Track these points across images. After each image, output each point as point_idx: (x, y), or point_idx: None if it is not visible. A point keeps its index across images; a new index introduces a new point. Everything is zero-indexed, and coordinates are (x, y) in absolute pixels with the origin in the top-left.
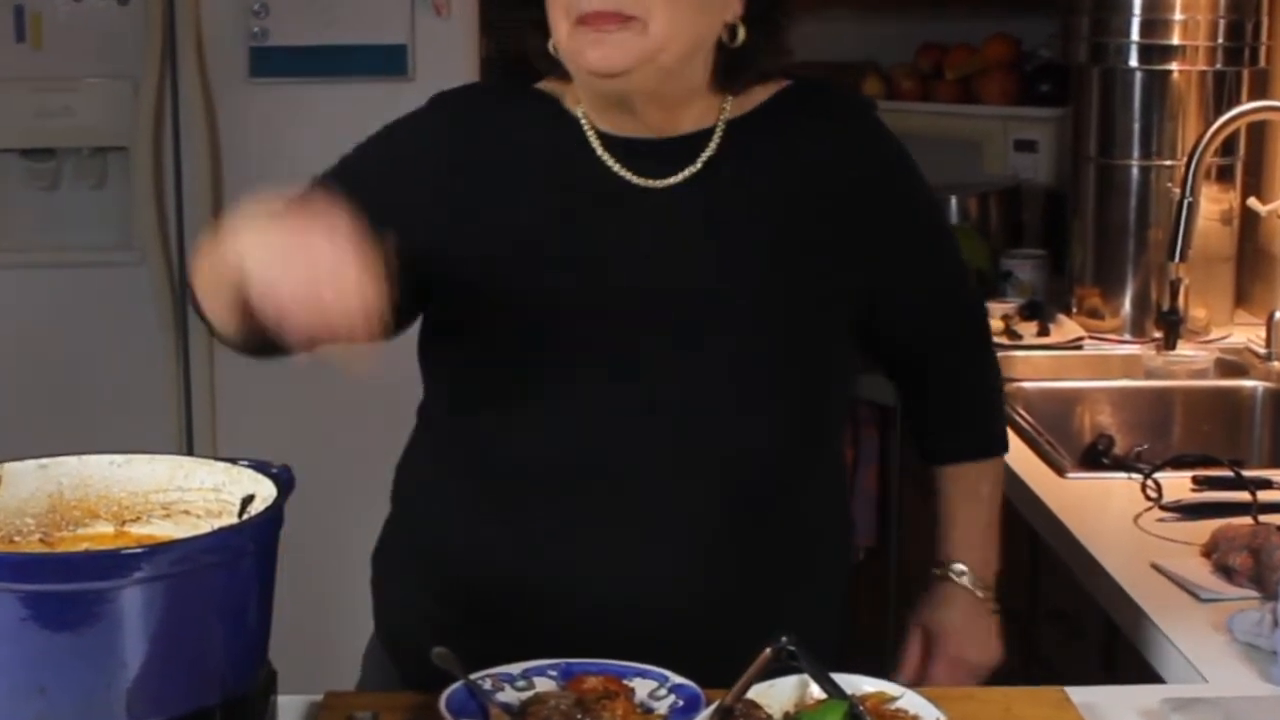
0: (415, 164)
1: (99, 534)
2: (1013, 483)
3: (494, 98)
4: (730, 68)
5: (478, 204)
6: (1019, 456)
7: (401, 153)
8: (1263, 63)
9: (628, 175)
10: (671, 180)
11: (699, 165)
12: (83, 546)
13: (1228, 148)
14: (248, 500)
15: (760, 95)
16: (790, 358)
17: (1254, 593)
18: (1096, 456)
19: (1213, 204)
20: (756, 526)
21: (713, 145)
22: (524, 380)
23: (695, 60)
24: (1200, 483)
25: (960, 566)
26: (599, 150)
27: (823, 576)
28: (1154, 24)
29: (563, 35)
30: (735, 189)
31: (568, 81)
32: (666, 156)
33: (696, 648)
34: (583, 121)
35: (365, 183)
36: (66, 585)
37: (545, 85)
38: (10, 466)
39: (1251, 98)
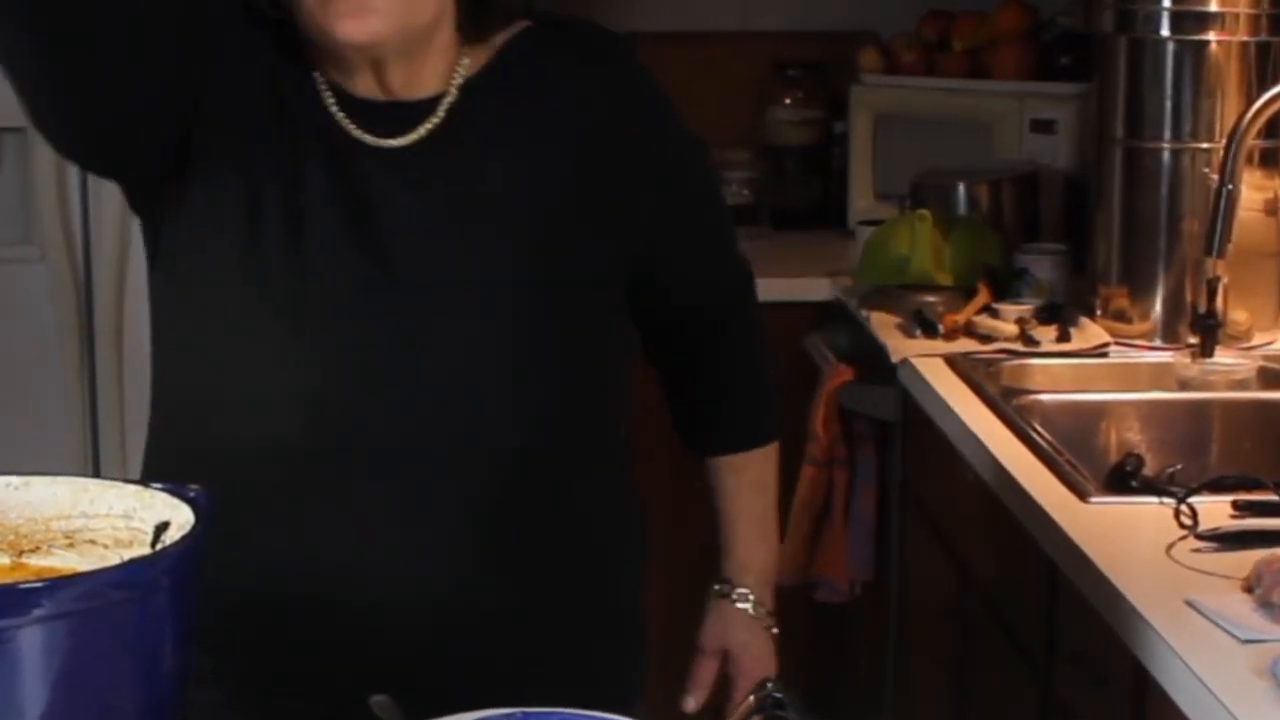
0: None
1: None
2: (1029, 508)
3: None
4: (474, 16)
5: (230, 126)
6: (1035, 478)
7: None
8: None
9: (359, 133)
10: (399, 141)
11: (422, 133)
12: None
13: (1272, 129)
14: (162, 528)
15: (495, 44)
16: (537, 334)
17: None
18: (1124, 478)
19: (1255, 192)
20: (519, 523)
21: (441, 112)
22: (243, 348)
23: (444, 13)
24: (1241, 508)
25: (744, 590)
26: (331, 104)
27: (610, 581)
28: None
29: (313, 2)
30: (472, 150)
31: None
32: (398, 120)
33: (467, 658)
34: (315, 72)
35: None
36: None
37: None
38: None
39: None
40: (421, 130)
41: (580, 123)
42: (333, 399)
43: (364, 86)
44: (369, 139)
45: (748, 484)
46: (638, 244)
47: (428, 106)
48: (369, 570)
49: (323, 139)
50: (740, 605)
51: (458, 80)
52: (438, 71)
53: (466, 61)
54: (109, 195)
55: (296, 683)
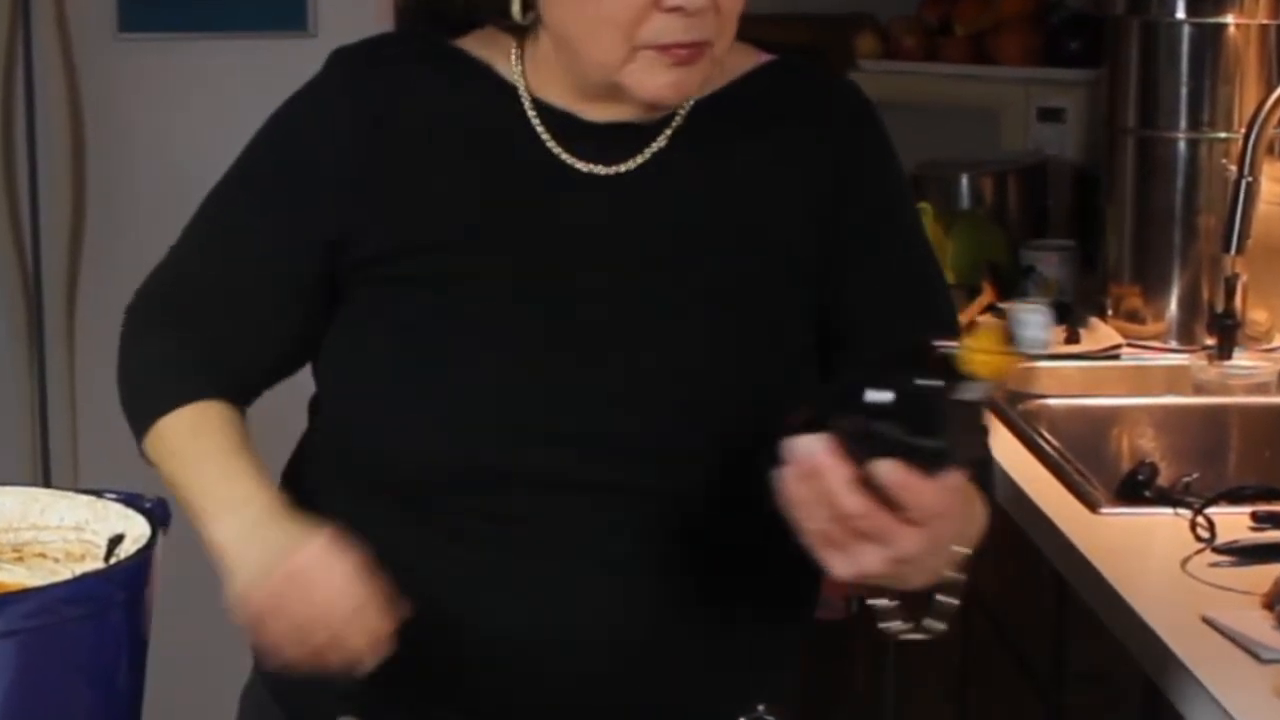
0: (318, 152)
1: None
2: (1036, 519)
3: (408, 56)
4: None
5: (391, 185)
6: (1043, 488)
7: (301, 144)
8: None
9: (568, 158)
10: (617, 169)
11: (648, 155)
12: None
13: None
14: (116, 541)
15: (731, 70)
16: (738, 374)
17: None
18: (1136, 488)
19: (1276, 185)
20: (703, 563)
21: (666, 135)
22: (432, 375)
23: None
24: (1261, 520)
25: None
26: (538, 127)
27: (785, 627)
28: None
29: (615, 57)
30: (688, 183)
31: (494, 42)
32: (616, 140)
33: (632, 701)
34: (521, 92)
35: (267, 198)
36: None
37: (468, 45)
38: None
39: None
40: (645, 154)
41: (804, 170)
42: (529, 426)
43: (601, 113)
44: (581, 165)
45: None
46: (837, 303)
47: (654, 128)
48: (537, 602)
49: (526, 167)
50: None
51: (688, 104)
52: None
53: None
54: (60, 186)
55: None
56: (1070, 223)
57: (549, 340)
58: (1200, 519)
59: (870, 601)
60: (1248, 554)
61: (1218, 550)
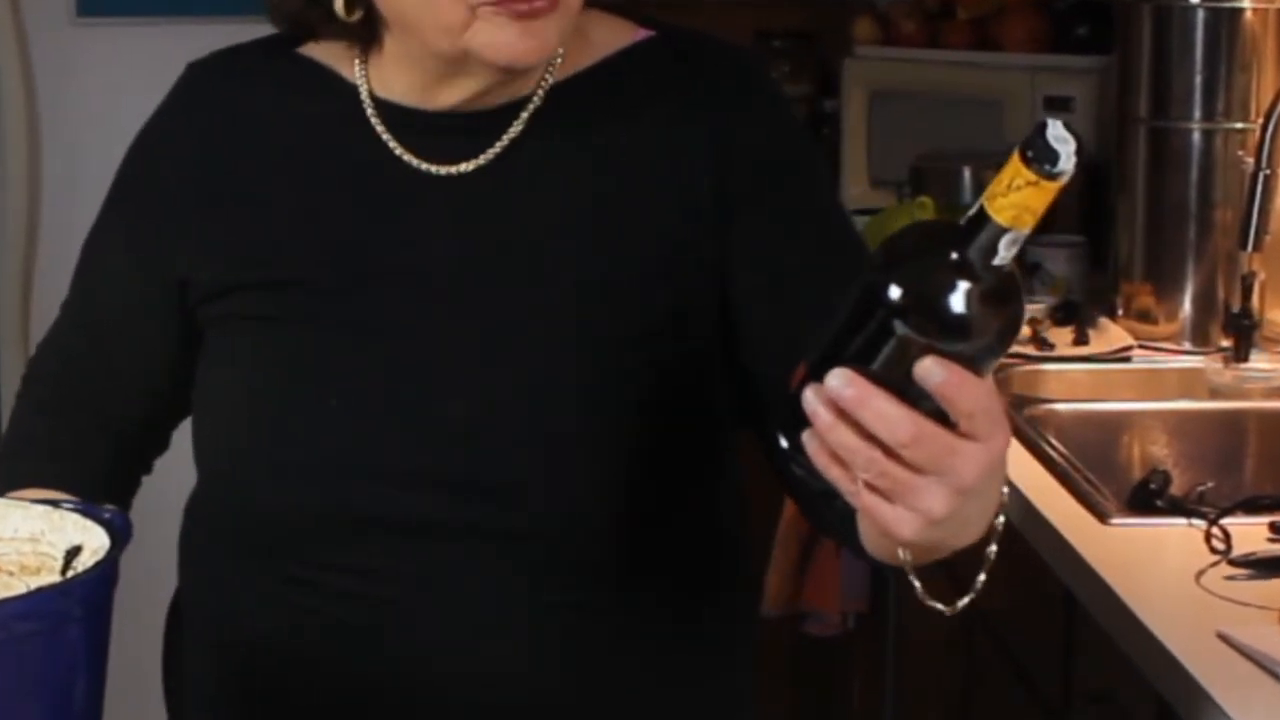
0: (161, 184)
1: None
2: (1043, 531)
3: (254, 67)
4: None
5: (229, 213)
6: (1050, 497)
7: (147, 177)
8: None
9: (412, 159)
10: (466, 166)
11: (502, 145)
12: None
13: None
14: (73, 553)
15: (601, 48)
16: (616, 390)
17: None
18: (1148, 497)
19: None
20: (596, 598)
21: (524, 116)
22: (276, 418)
23: None
24: (1279, 531)
25: None
26: (378, 128)
27: (706, 639)
28: None
29: (456, 18)
30: (545, 177)
31: (340, 46)
32: (467, 133)
33: None
34: (362, 93)
35: (119, 242)
36: None
37: (311, 50)
38: None
39: None
40: (498, 146)
41: (678, 151)
42: (382, 468)
43: (452, 96)
44: (428, 166)
45: None
46: (737, 288)
47: (509, 113)
48: (407, 661)
49: (369, 178)
50: None
51: (548, 83)
52: (536, 71)
53: (559, 61)
54: (15, 178)
55: None
56: (1078, 217)
57: (396, 371)
58: (1215, 530)
59: (912, 579)
60: (1265, 567)
61: (1234, 563)
